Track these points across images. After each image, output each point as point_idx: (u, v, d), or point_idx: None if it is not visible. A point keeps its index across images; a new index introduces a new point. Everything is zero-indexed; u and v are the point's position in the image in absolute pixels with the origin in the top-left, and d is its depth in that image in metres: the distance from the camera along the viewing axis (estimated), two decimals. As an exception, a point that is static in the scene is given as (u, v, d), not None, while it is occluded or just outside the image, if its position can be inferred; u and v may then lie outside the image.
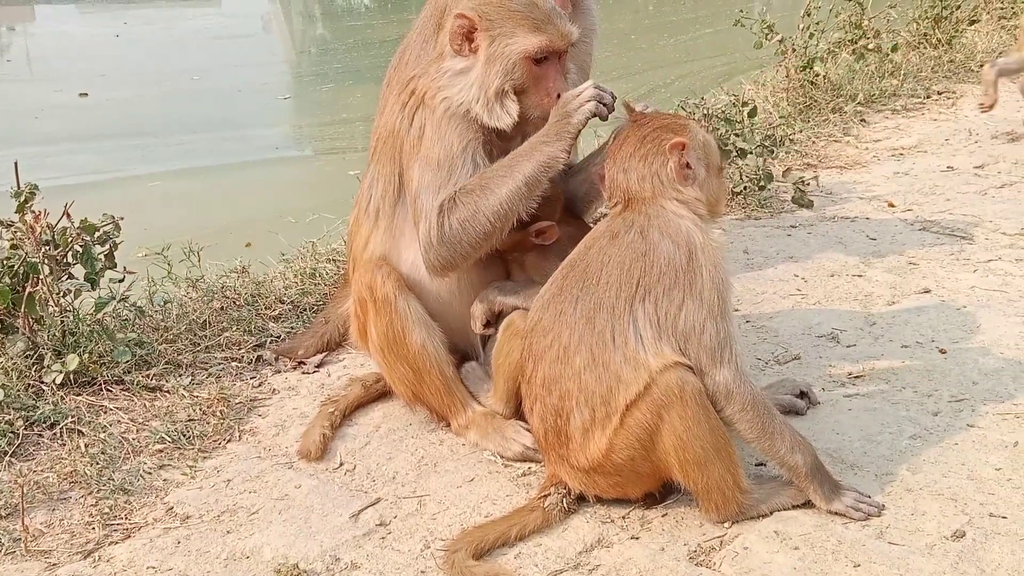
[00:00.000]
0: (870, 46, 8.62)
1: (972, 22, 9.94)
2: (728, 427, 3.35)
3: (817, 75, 8.07)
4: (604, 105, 3.56)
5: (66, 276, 4.37)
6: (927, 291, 5.04)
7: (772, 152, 6.44)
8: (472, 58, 3.68)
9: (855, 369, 4.36)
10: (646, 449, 3.31)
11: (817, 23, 8.06)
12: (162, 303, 4.85)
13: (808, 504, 3.44)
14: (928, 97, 8.52)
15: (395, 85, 4.10)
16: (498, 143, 3.76)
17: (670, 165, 3.38)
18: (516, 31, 3.62)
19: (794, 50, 7.97)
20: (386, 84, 4.54)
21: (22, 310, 4.20)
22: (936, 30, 9.39)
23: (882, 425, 3.92)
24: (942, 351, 4.46)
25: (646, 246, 3.31)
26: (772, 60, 8.31)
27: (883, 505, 3.46)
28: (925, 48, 9.40)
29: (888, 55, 8.78)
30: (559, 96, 3.64)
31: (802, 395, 4.05)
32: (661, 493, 3.53)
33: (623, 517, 3.47)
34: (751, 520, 3.40)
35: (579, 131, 3.61)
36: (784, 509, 3.44)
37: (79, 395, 4.20)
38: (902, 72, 8.79)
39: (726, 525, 3.40)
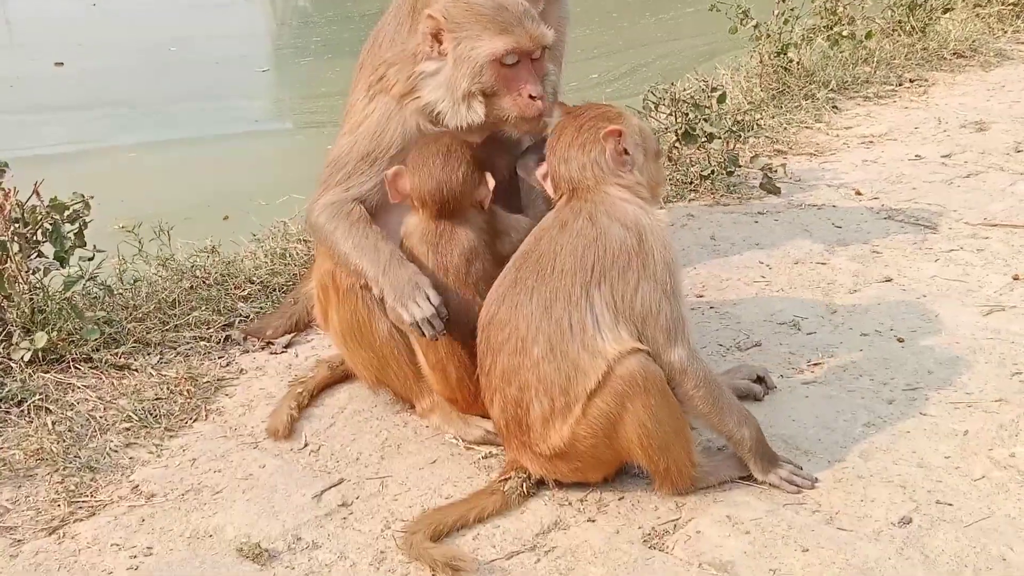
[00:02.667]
0: (844, 32, 8.66)
1: (947, 10, 9.97)
2: (680, 404, 3.45)
3: (791, 61, 8.12)
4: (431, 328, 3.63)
5: (35, 254, 4.40)
6: (888, 280, 5.13)
7: (740, 137, 6.50)
8: (441, 60, 3.70)
9: (814, 356, 4.44)
10: (609, 437, 3.39)
11: (792, 9, 8.09)
12: (132, 282, 4.88)
13: (750, 477, 3.57)
14: (900, 85, 8.57)
15: (367, 68, 4.12)
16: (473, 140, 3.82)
17: (608, 152, 3.46)
18: (482, 33, 3.61)
19: (768, 36, 8.01)
20: (359, 66, 4.54)
21: (-9, 287, 4.23)
22: (911, 17, 9.42)
23: (837, 412, 4.01)
24: (900, 340, 4.54)
25: (596, 232, 3.38)
26: (749, 44, 8.34)
27: (816, 478, 3.59)
28: (899, 35, 9.44)
29: (862, 42, 8.83)
30: (532, 97, 3.65)
31: (759, 380, 4.14)
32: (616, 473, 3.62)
33: (580, 500, 3.55)
34: (704, 504, 3.49)
35: (400, 314, 3.66)
36: (730, 480, 3.60)
37: (47, 373, 4.24)
38: (875, 59, 8.84)
39: (680, 505, 3.49)
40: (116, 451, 3.86)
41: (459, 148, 3.72)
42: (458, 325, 3.66)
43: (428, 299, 3.60)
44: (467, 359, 3.69)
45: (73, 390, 4.18)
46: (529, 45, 3.65)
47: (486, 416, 3.77)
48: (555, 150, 3.54)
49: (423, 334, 3.62)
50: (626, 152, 3.49)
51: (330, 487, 3.66)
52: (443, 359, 3.76)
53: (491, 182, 3.74)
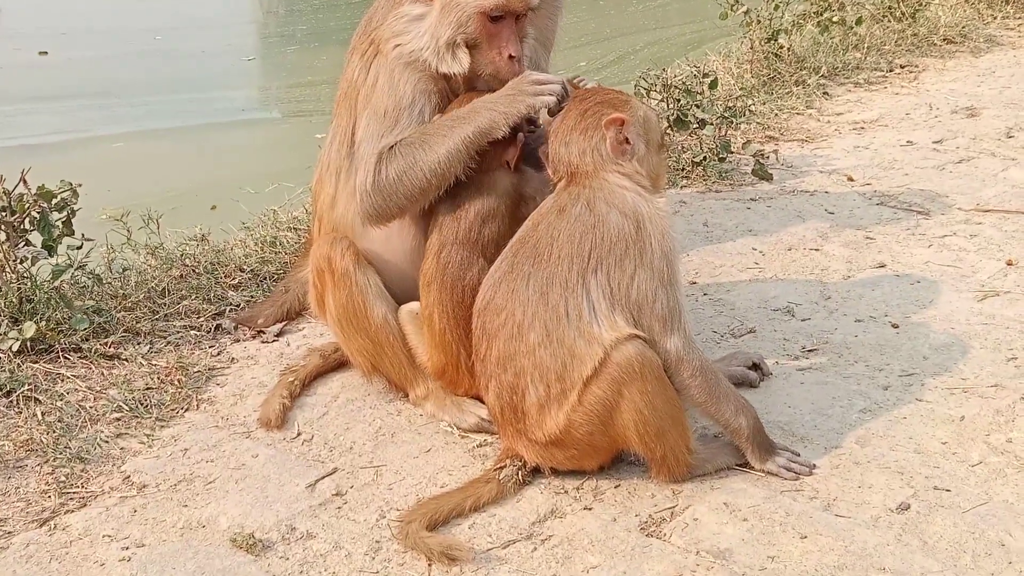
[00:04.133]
0: (835, 18, 8.65)
1: (936, -5, 10.01)
2: (677, 392, 3.43)
3: (781, 47, 8.10)
4: (558, 102, 3.58)
5: (23, 243, 4.34)
6: (882, 265, 5.12)
7: (732, 123, 6.48)
8: (428, 5, 3.69)
9: (809, 343, 4.42)
10: (605, 424, 3.37)
11: (783, -5, 8.09)
12: (121, 271, 4.83)
13: (747, 464, 3.56)
14: (891, 71, 8.57)
15: (360, 42, 4.09)
16: (450, 96, 3.80)
17: (608, 140, 3.43)
18: None
19: (759, 22, 7.98)
20: (350, 51, 4.50)
21: (-22, 277, 4.18)
22: (900, 3, 9.40)
23: (833, 399, 3.99)
24: (894, 326, 4.53)
25: (594, 219, 3.36)
26: (739, 30, 8.32)
27: (814, 465, 3.58)
28: (889, 21, 9.43)
29: (852, 28, 8.82)
30: (511, 57, 3.66)
31: (755, 367, 4.12)
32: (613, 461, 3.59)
33: (576, 488, 3.52)
34: (701, 492, 3.47)
35: (527, 114, 3.63)
36: (726, 468, 3.57)
37: (36, 363, 4.19)
38: (866, 45, 8.83)
39: (677, 493, 3.47)
40: (107, 441, 3.82)
41: None
42: (458, 284, 3.66)
43: (544, 83, 3.58)
44: (463, 322, 3.66)
45: (63, 380, 4.13)
46: (518, 6, 3.66)
47: (479, 399, 3.74)
48: (557, 133, 3.52)
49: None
50: (627, 141, 3.46)
51: (324, 476, 3.63)
52: (433, 313, 3.72)
53: (520, 140, 3.72)
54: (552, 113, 3.61)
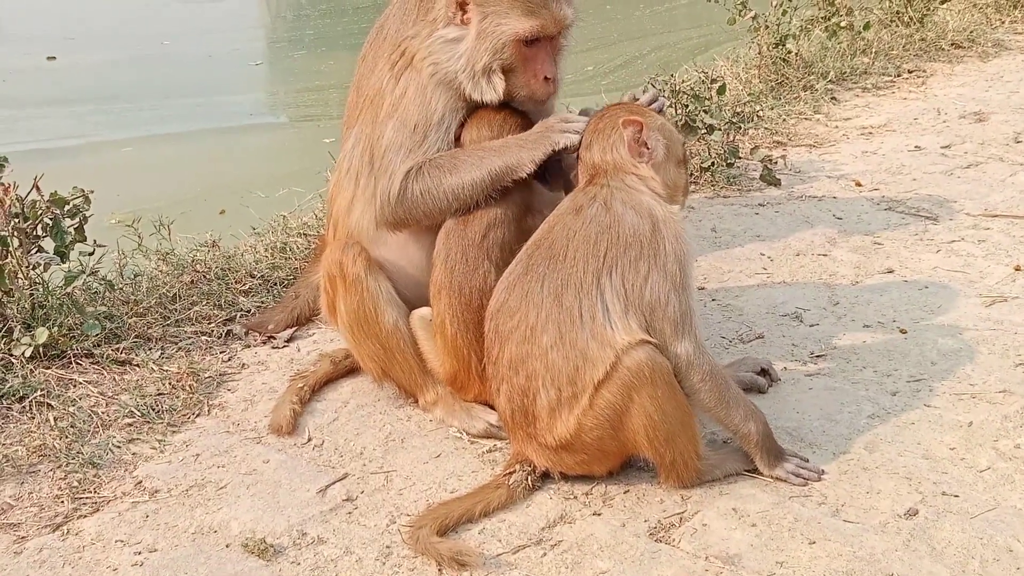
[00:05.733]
0: (842, 23, 8.65)
1: (944, 0, 9.95)
2: (687, 397, 3.45)
3: (789, 52, 8.11)
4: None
5: (36, 249, 4.38)
6: (890, 271, 5.12)
7: (740, 128, 6.49)
8: (464, 28, 3.72)
9: (817, 348, 4.43)
10: (615, 428, 3.39)
11: (790, 0, 8.09)
12: (132, 276, 4.86)
13: (756, 470, 3.57)
14: (899, 75, 8.57)
15: (376, 57, 4.10)
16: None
17: (626, 140, 3.48)
18: (509, 12, 3.67)
19: (767, 27, 7.99)
20: (361, 59, 4.50)
21: (-9, 283, 4.21)
22: (908, 8, 9.41)
23: (841, 404, 4.00)
24: (903, 331, 4.54)
25: (611, 219, 3.40)
26: (747, 35, 8.33)
27: (823, 470, 3.60)
28: (897, 26, 9.44)
29: (860, 33, 8.82)
30: (547, 79, 3.73)
31: (763, 373, 4.13)
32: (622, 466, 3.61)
33: (586, 494, 3.54)
34: (710, 497, 3.49)
35: (554, 152, 3.71)
36: (735, 473, 3.59)
37: (48, 368, 4.22)
38: (873, 50, 8.83)
39: (686, 498, 3.48)
40: (119, 447, 3.84)
41: (509, 118, 3.82)
42: (465, 287, 3.69)
43: (571, 122, 3.68)
44: (474, 327, 3.69)
45: (75, 386, 4.16)
46: (553, 28, 3.72)
47: (488, 404, 3.77)
48: (585, 138, 3.62)
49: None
50: (645, 145, 3.51)
51: (335, 482, 3.65)
52: (445, 320, 3.75)
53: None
54: (573, 150, 3.69)
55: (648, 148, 3.52)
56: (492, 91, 3.74)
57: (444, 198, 3.75)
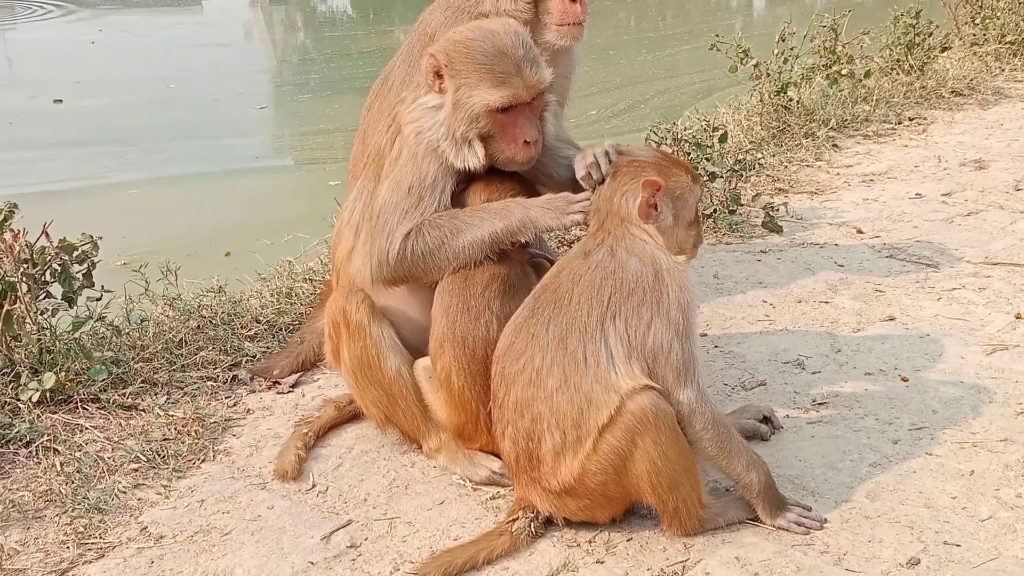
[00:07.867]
0: (843, 71, 8.74)
1: (944, 49, 10.09)
2: (689, 445, 3.46)
3: (791, 100, 8.19)
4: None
5: (44, 295, 4.42)
6: (892, 319, 5.15)
7: (742, 176, 6.55)
8: (443, 96, 3.76)
9: (819, 396, 4.45)
10: (618, 474, 3.40)
11: (792, 48, 8.18)
12: (139, 321, 4.89)
13: (759, 518, 3.58)
14: (899, 123, 8.65)
15: (381, 108, 4.17)
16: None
17: (639, 199, 3.50)
18: (479, 84, 3.67)
19: (768, 75, 8.08)
20: (367, 108, 4.56)
21: (-1, 328, 4.24)
22: (909, 56, 9.52)
23: (843, 452, 4.02)
24: (904, 379, 4.56)
25: (615, 265, 3.44)
26: (748, 81, 8.41)
27: (825, 519, 3.60)
28: (898, 74, 9.54)
29: (861, 80, 8.91)
30: (527, 143, 3.73)
31: (766, 420, 4.15)
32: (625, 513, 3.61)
33: (589, 541, 3.55)
34: (712, 546, 3.49)
35: (554, 228, 3.77)
36: (737, 522, 3.59)
37: (55, 413, 4.25)
38: (874, 98, 8.92)
39: (689, 547, 3.48)
40: (124, 492, 3.86)
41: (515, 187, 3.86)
42: (468, 337, 3.72)
43: (575, 202, 3.69)
44: (480, 378, 3.70)
45: (81, 431, 4.18)
46: (526, 96, 3.71)
47: (492, 452, 3.78)
48: (607, 180, 3.62)
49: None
50: (655, 207, 3.52)
51: (339, 528, 3.66)
52: (450, 373, 3.76)
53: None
54: (579, 224, 3.73)
55: (658, 210, 3.53)
56: (474, 158, 3.75)
57: (444, 258, 3.77)
